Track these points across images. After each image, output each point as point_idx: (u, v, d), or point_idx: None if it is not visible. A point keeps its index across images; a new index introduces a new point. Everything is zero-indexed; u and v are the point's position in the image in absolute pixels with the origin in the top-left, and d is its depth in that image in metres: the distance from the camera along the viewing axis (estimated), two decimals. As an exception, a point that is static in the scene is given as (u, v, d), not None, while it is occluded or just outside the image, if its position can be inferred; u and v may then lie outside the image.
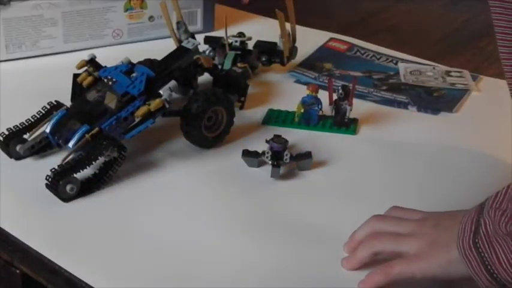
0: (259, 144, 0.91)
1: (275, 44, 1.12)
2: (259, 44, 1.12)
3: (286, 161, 0.88)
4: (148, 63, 0.97)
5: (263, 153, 0.89)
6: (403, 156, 0.94)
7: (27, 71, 1.13)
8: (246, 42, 1.12)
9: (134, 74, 0.90)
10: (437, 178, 0.90)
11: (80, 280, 0.72)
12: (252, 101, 1.05)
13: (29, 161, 0.90)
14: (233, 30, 1.13)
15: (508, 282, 0.64)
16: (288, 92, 1.09)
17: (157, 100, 0.87)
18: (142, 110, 0.87)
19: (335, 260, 0.75)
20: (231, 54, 1.07)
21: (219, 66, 1.06)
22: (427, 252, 0.69)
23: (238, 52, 1.08)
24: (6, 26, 1.12)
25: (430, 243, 0.69)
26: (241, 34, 1.12)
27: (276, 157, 0.88)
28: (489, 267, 0.65)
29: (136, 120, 0.87)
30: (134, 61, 0.94)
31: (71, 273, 0.72)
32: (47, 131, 0.87)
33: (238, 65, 1.04)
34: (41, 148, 0.90)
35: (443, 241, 0.68)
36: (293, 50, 1.11)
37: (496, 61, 1.19)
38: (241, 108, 1.02)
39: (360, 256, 0.73)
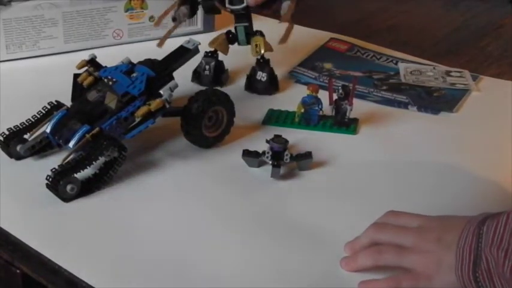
0: (260, 144, 0.91)
1: None
2: None
3: (286, 161, 0.88)
4: (149, 63, 0.97)
5: (263, 153, 0.89)
6: (403, 156, 0.94)
7: (27, 71, 1.13)
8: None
9: (134, 74, 0.90)
10: (437, 178, 0.90)
11: (80, 280, 0.72)
12: (252, 100, 1.05)
13: (29, 161, 0.90)
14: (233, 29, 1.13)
15: None
16: (288, 92, 1.09)
17: (158, 100, 0.87)
18: (143, 110, 0.87)
19: (335, 260, 0.74)
20: (240, 28, 1.04)
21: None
22: (434, 272, 0.69)
23: (246, 24, 1.03)
24: (6, 26, 1.12)
25: (436, 263, 0.69)
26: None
27: (276, 157, 0.88)
28: None
29: (137, 120, 0.87)
30: (134, 61, 0.94)
31: (71, 273, 0.72)
32: (48, 131, 0.87)
33: (255, 41, 1.03)
34: (42, 148, 0.90)
35: (447, 262, 0.68)
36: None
37: (496, 61, 1.20)
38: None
39: (361, 263, 0.73)
